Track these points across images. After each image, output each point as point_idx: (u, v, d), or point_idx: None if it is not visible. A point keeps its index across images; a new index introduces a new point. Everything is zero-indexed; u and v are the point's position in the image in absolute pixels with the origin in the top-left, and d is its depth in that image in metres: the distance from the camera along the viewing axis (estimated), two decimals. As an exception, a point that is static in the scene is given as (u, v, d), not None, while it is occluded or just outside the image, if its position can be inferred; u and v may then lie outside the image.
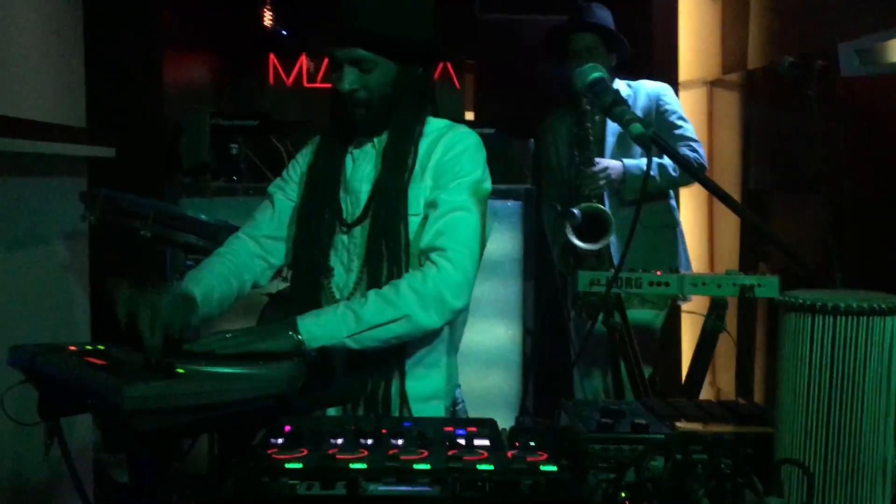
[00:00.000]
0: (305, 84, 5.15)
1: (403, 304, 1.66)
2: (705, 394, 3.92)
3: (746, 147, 3.75)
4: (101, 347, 1.55)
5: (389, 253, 1.76)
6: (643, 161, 3.00)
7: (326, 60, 5.10)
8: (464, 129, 1.85)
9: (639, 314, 3.04)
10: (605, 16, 3.12)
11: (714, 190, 1.34)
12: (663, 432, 1.23)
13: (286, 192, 1.93)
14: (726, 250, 3.92)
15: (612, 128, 3.12)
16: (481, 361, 3.45)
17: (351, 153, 1.87)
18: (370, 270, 1.77)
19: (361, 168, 1.85)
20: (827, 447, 1.09)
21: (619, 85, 3.16)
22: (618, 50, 3.14)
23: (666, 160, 3.02)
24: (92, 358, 1.45)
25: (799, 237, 3.19)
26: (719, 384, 3.91)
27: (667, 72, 4.14)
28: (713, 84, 4.15)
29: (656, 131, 3.02)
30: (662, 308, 3.12)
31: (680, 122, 3.11)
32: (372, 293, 1.69)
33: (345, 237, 1.83)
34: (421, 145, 1.82)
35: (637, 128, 1.29)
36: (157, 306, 1.57)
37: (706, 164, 3.21)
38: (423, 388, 1.84)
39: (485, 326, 3.47)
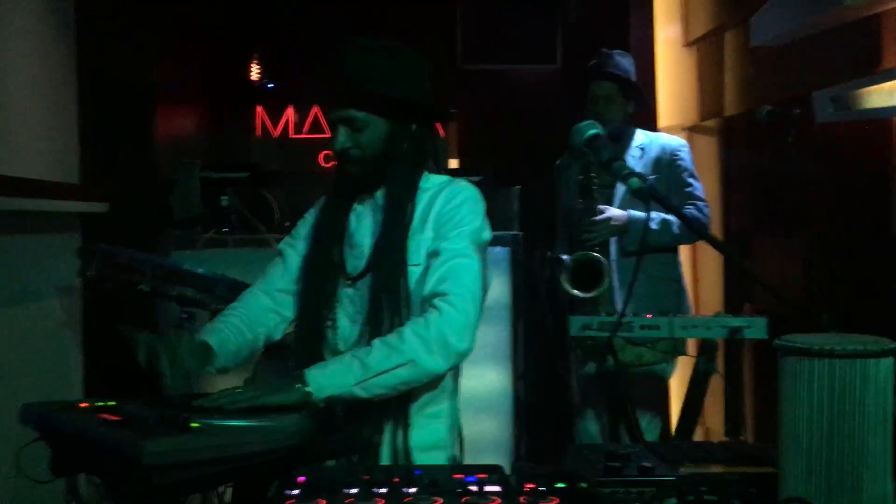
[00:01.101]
0: (292, 135, 5.23)
1: (408, 350, 1.70)
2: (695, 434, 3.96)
3: (726, 190, 3.85)
4: (113, 403, 1.57)
5: (389, 304, 1.80)
6: (653, 214, 3.02)
7: (312, 113, 5.19)
8: (463, 182, 1.90)
9: (653, 367, 3.08)
10: (625, 65, 3.22)
11: (718, 246, 1.39)
12: (673, 475, 1.27)
13: (296, 247, 1.98)
14: (711, 292, 3.99)
15: None
16: (473, 407, 3.42)
17: (354, 209, 1.92)
18: (372, 322, 1.81)
19: (364, 223, 1.90)
20: (829, 486, 1.14)
21: (637, 134, 3.24)
22: (636, 98, 3.24)
23: (670, 216, 3.01)
24: (106, 414, 1.48)
25: (779, 277, 3.27)
26: (708, 424, 3.95)
27: (646, 117, 4.25)
28: (692, 130, 4.26)
29: (668, 185, 3.10)
30: (671, 358, 3.13)
31: (690, 181, 3.13)
32: (377, 341, 1.73)
33: (350, 291, 1.88)
34: (421, 199, 1.87)
35: (636, 182, 1.35)
36: (177, 350, 1.61)
37: (709, 224, 3.13)
38: (424, 438, 1.86)
39: (475, 372, 3.49)
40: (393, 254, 1.81)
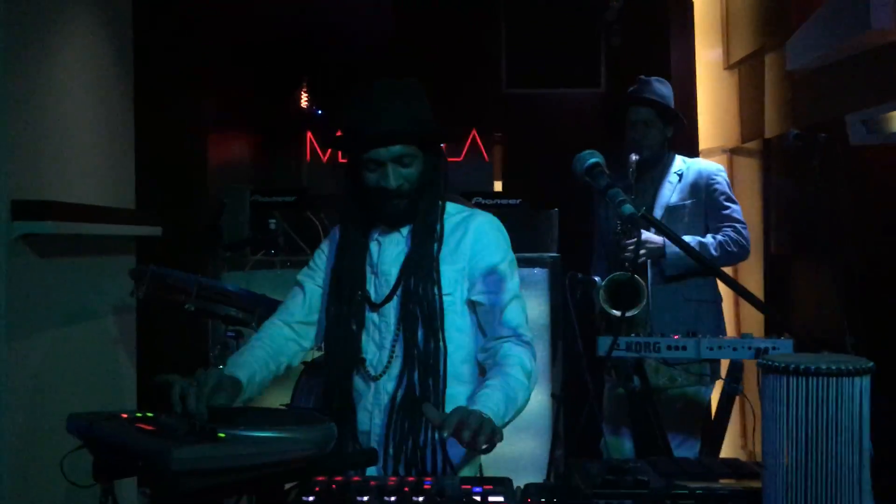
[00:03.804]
0: (340, 160, 5.40)
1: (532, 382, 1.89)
2: (738, 456, 3.95)
3: (766, 212, 3.85)
4: (150, 415, 1.69)
5: (424, 314, 1.90)
6: (688, 238, 3.06)
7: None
8: (484, 215, 2.02)
9: (687, 389, 3.12)
10: (664, 91, 3.30)
11: (720, 276, 1.46)
12: (664, 488, 1.33)
13: (315, 279, 2.09)
14: (752, 313, 3.99)
15: (662, 201, 3.22)
16: (511, 426, 3.52)
17: (377, 240, 2.01)
18: (405, 334, 1.90)
19: (389, 252, 1.99)
20: (806, 500, 1.19)
21: (676, 160, 3.31)
22: (674, 123, 3.31)
23: (707, 239, 3.12)
24: (142, 424, 1.60)
25: (817, 299, 3.26)
26: (751, 448, 3.94)
27: (688, 140, 4.28)
28: (733, 152, 4.28)
29: (706, 209, 3.15)
30: (708, 381, 3.16)
31: (727, 203, 3.21)
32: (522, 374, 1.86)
33: (375, 316, 1.97)
34: (446, 225, 1.97)
35: (628, 208, 1.42)
36: (203, 384, 1.71)
37: (748, 247, 3.17)
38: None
39: (514, 391, 3.55)
40: (426, 267, 1.92)
